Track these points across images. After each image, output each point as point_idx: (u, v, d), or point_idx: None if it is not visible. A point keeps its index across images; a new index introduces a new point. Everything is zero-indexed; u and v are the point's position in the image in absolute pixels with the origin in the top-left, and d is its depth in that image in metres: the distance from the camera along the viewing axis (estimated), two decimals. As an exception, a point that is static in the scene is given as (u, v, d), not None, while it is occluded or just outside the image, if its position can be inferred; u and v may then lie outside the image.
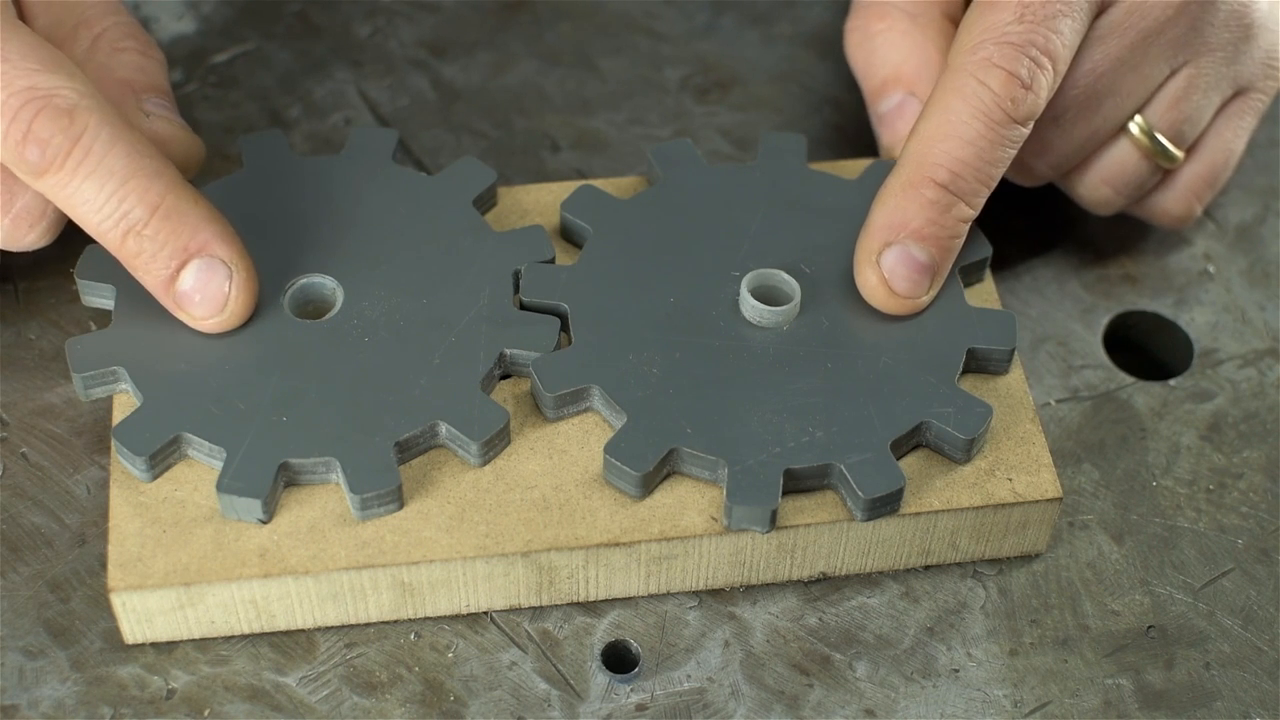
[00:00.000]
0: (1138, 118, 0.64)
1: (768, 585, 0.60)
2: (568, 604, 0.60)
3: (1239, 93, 0.66)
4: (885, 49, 0.66)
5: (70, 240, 0.62)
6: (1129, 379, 0.66)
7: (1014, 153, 0.60)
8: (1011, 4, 0.60)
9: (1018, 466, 0.60)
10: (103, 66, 0.61)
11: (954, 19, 0.66)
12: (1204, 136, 0.66)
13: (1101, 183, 0.66)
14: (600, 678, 0.58)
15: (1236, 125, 0.67)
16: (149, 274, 0.58)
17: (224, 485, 0.57)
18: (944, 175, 0.60)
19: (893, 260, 0.60)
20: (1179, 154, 0.65)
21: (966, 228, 0.61)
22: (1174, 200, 0.67)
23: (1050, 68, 0.60)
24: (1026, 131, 0.60)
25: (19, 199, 0.58)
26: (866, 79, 0.67)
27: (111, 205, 0.57)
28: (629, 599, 0.60)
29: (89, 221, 0.57)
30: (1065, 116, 0.63)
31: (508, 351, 0.61)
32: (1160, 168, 0.66)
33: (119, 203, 0.57)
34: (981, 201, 0.61)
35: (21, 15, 0.62)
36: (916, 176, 0.60)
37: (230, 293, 0.58)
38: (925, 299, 0.61)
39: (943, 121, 0.60)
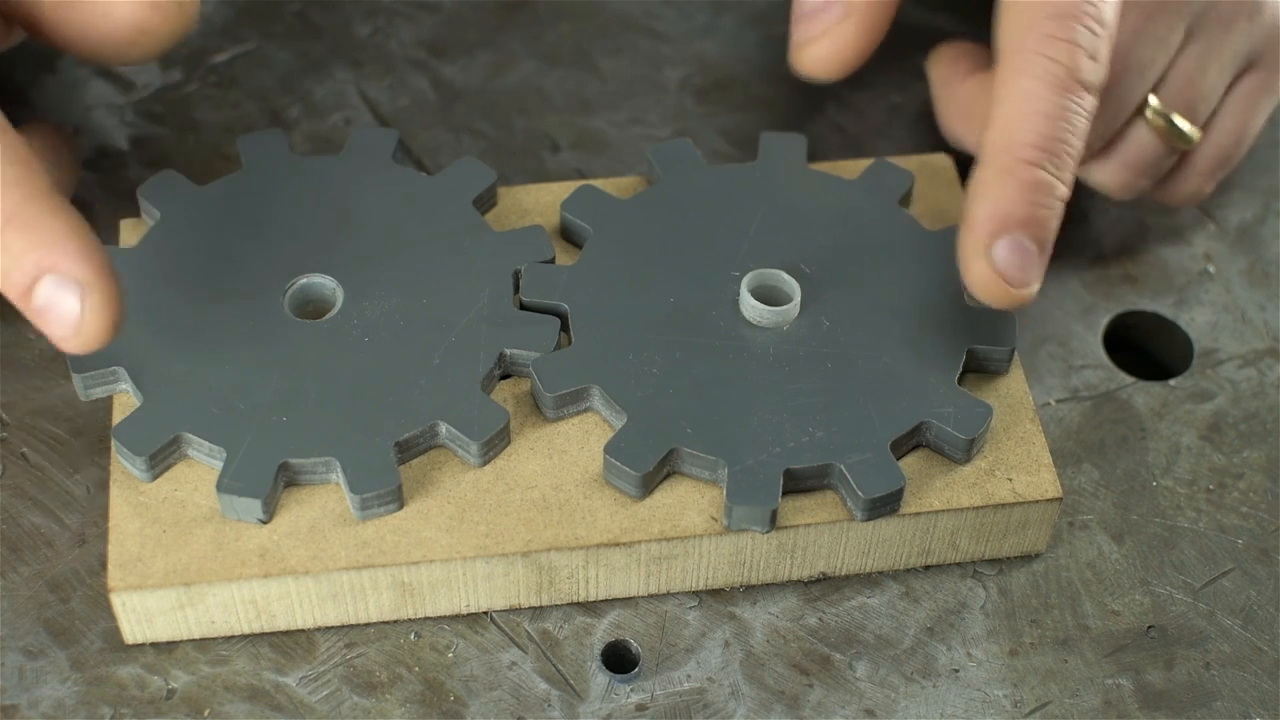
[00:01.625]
0: (1154, 100, 0.64)
1: (768, 585, 0.60)
2: (568, 604, 0.60)
3: (1250, 68, 0.66)
4: None
5: (70, 240, 0.62)
6: (1129, 379, 0.66)
7: (1089, 124, 0.59)
8: None
9: (1018, 466, 0.60)
10: None
11: None
12: (1216, 115, 0.66)
13: (1123, 167, 0.66)
14: (600, 678, 0.58)
15: (1250, 103, 0.66)
16: (5, 287, 0.55)
17: (224, 485, 0.57)
18: (1035, 155, 0.58)
19: (1005, 252, 0.58)
20: (1196, 134, 0.65)
21: (1063, 206, 0.59)
22: (1186, 180, 0.67)
23: (1105, 35, 0.59)
24: (1096, 102, 0.59)
25: None
26: None
27: None
28: (629, 599, 0.60)
29: None
30: None
31: (508, 351, 0.61)
32: (1177, 149, 0.66)
33: None
34: (1071, 178, 0.59)
35: None
36: (1008, 161, 0.58)
37: (82, 314, 0.54)
38: (1036, 287, 0.59)
39: (1019, 103, 0.59)
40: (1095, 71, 0.59)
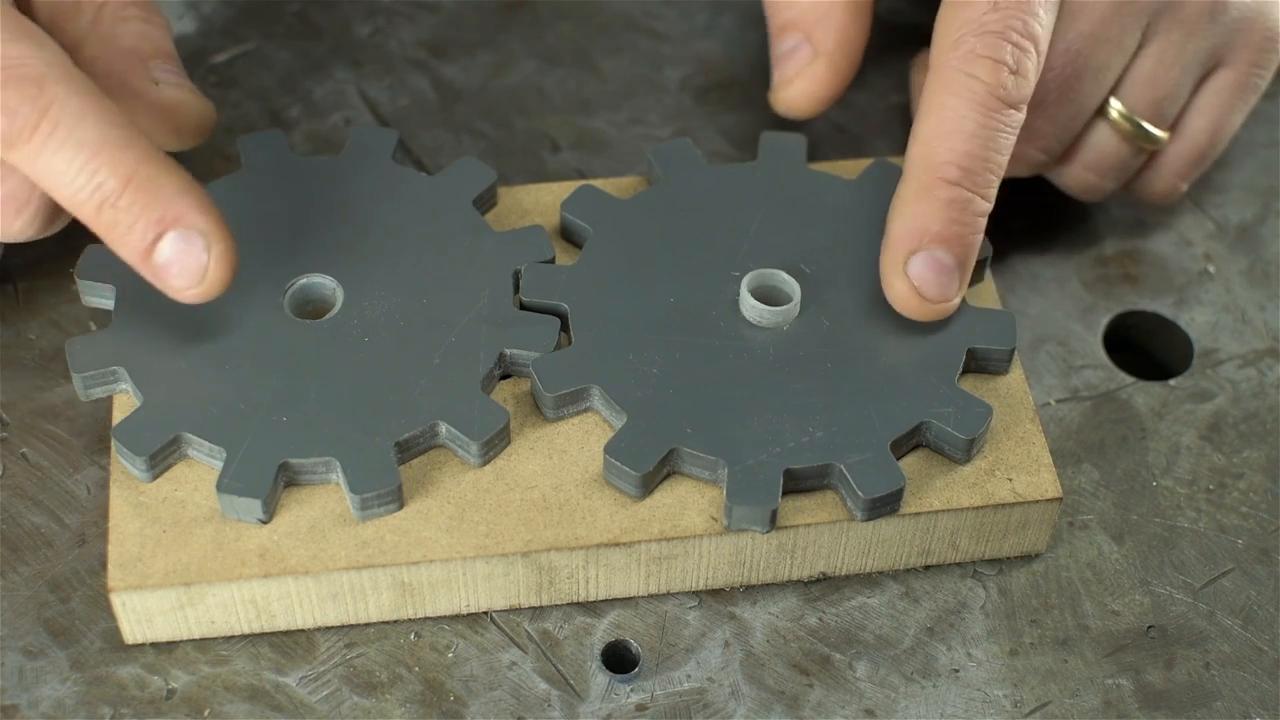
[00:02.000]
0: (1116, 103, 0.64)
1: (768, 585, 0.60)
2: (568, 604, 0.60)
3: (1219, 65, 0.66)
4: None
5: (70, 240, 0.62)
6: (1129, 379, 0.66)
7: (1014, 139, 0.60)
8: None
9: (1018, 466, 0.60)
10: (108, 37, 0.61)
11: None
12: (1186, 114, 0.66)
13: (1085, 169, 0.66)
14: (600, 678, 0.58)
15: (1222, 102, 0.66)
16: (125, 246, 0.57)
17: (224, 485, 0.57)
18: (954, 173, 0.59)
19: (920, 267, 0.60)
20: (1162, 135, 0.65)
21: (984, 222, 0.61)
22: (1158, 179, 0.67)
23: (1033, 49, 0.60)
24: (1022, 116, 0.60)
25: (4, 183, 0.57)
26: (772, 19, 0.69)
27: (83, 178, 0.55)
28: (629, 599, 0.60)
29: (62, 194, 0.56)
30: (1048, 100, 0.63)
31: (508, 351, 0.61)
32: (1144, 149, 0.66)
33: (90, 175, 0.55)
34: (994, 193, 0.60)
35: None
36: (927, 179, 0.60)
37: (209, 263, 0.57)
38: (956, 301, 0.61)
39: (941, 120, 0.60)
40: (1020, 87, 0.60)
